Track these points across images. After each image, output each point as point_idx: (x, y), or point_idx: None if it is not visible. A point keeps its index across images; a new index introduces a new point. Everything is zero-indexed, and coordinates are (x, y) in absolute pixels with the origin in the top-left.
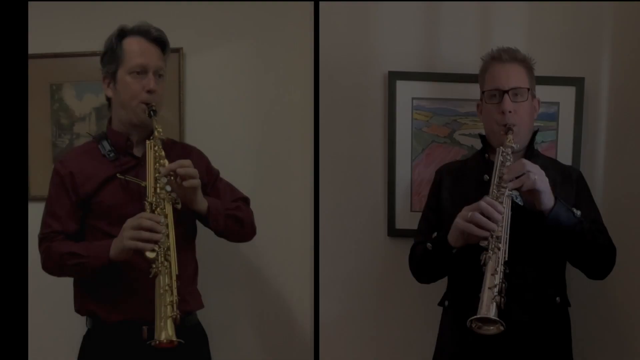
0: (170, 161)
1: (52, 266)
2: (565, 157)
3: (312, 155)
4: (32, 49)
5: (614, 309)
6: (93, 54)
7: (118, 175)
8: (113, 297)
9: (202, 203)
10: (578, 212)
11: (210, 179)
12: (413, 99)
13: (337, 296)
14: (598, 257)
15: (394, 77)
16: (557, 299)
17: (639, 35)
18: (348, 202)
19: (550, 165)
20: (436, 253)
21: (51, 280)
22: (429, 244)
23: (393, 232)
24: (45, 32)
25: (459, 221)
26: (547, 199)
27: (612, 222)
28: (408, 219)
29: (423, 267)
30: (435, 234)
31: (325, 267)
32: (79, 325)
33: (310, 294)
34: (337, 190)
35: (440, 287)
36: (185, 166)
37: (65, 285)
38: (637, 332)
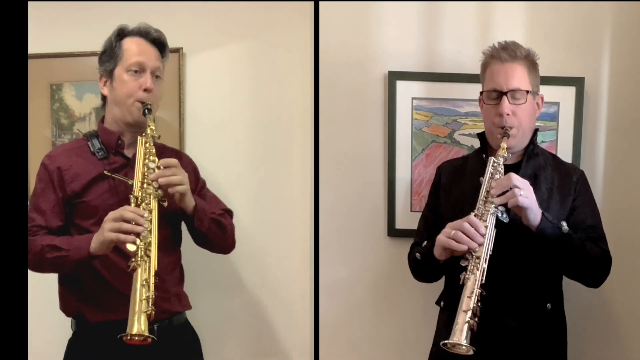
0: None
1: (32, 260)
2: (565, 157)
3: (312, 155)
4: (32, 49)
5: (611, 312)
6: (93, 54)
7: (105, 171)
8: (98, 297)
9: (190, 202)
10: (565, 227)
11: (197, 186)
12: (413, 99)
13: (337, 296)
14: (589, 267)
15: (394, 77)
16: (548, 305)
17: (638, 35)
18: (348, 202)
19: (550, 164)
20: (424, 262)
21: (39, 280)
22: (417, 254)
23: (393, 232)
24: (45, 32)
25: (441, 237)
26: (533, 216)
27: (611, 223)
28: (408, 219)
29: (416, 271)
30: (425, 243)
31: (325, 267)
32: (66, 326)
33: (310, 294)
34: (337, 190)
35: (440, 287)
36: (167, 175)
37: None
38: (635, 337)
